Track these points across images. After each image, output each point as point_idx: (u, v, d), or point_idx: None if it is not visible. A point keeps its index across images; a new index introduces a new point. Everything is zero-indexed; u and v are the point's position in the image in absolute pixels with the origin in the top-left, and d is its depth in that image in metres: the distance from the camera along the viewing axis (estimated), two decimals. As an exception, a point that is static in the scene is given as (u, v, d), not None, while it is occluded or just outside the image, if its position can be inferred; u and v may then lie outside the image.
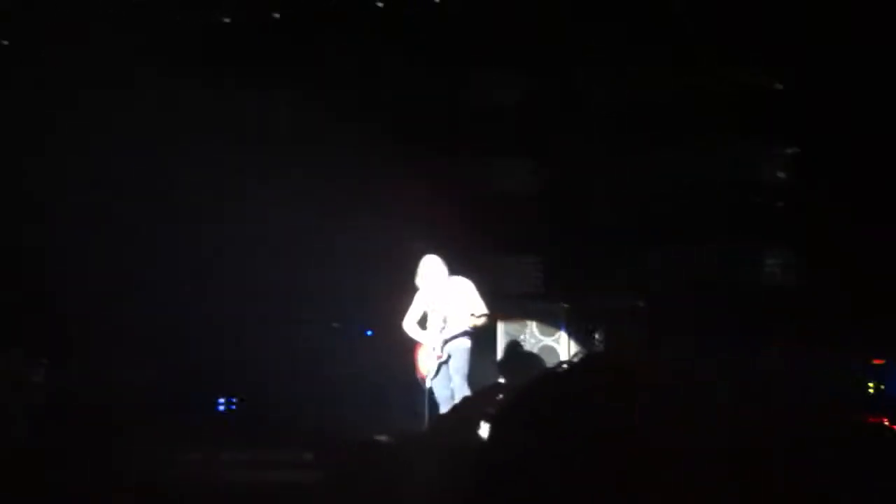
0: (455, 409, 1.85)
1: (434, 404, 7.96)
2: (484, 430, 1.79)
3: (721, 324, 8.51)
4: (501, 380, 8.91)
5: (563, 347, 9.11)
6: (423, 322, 8.11)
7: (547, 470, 1.34)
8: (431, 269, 8.00)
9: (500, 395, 1.84)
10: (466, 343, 7.93)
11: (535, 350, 9.17)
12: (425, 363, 8.00)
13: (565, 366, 1.42)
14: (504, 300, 9.16)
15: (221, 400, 9.23)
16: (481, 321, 7.92)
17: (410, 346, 8.17)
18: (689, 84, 9.11)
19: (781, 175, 9.38)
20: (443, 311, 7.91)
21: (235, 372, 9.13)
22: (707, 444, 1.34)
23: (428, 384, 7.97)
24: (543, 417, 1.39)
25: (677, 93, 9.16)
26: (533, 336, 9.22)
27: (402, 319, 8.15)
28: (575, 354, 8.95)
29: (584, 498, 1.26)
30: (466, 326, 7.87)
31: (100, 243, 8.69)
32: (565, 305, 9.21)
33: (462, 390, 7.79)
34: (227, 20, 9.52)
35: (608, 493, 1.26)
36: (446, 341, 7.88)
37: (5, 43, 9.23)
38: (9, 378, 6.88)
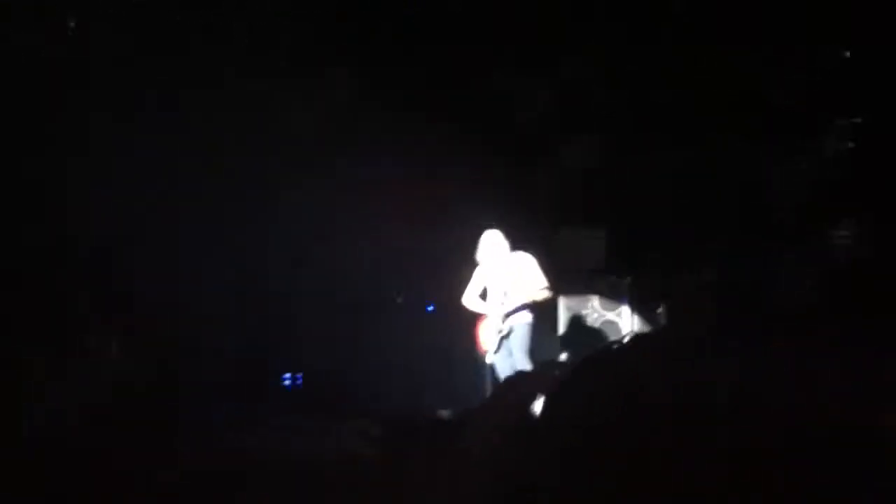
0: (509, 384, 1.88)
1: (496, 379, 7.99)
2: (538, 405, 1.81)
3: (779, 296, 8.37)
4: (563, 356, 8.93)
5: (625, 322, 9.07)
6: (483, 297, 8.13)
7: (598, 445, 1.36)
8: (492, 243, 8.01)
9: (556, 372, 1.86)
10: (527, 317, 7.92)
11: (596, 325, 9.16)
12: (486, 338, 8.03)
13: (615, 346, 1.44)
14: (566, 274, 9.16)
15: (287, 376, 9.39)
16: (543, 295, 7.91)
17: (471, 321, 8.20)
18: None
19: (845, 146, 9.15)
20: (503, 286, 7.93)
21: (301, 349, 9.27)
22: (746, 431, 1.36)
23: (489, 359, 8.01)
24: (593, 395, 1.41)
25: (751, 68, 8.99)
26: (595, 311, 9.20)
27: (462, 295, 8.19)
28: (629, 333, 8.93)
29: (632, 471, 1.29)
30: (527, 300, 7.86)
31: (164, 225, 8.84)
32: (627, 280, 9.16)
33: (523, 365, 7.79)
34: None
35: (653, 466, 1.28)
36: (507, 315, 7.90)
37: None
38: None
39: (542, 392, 1.81)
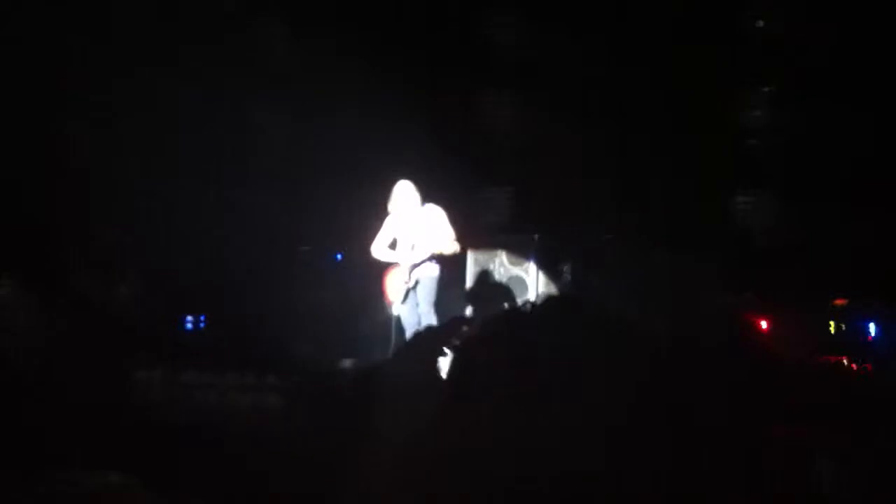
0: (417, 337, 1.87)
1: (401, 330, 8.01)
2: (445, 359, 1.81)
3: (685, 266, 8.58)
4: (469, 309, 8.99)
5: (531, 279, 9.16)
6: (392, 248, 8.12)
7: (505, 395, 1.36)
8: (404, 194, 7.98)
9: (464, 328, 1.86)
10: (435, 270, 7.95)
11: (503, 280, 9.23)
12: (393, 288, 8.02)
13: (528, 305, 1.45)
14: (475, 229, 9.19)
15: (189, 318, 9.23)
16: (450, 248, 7.93)
17: (379, 270, 8.18)
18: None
19: (756, 114, 9.38)
20: (412, 238, 7.92)
21: (203, 291, 9.12)
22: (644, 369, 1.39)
23: (395, 311, 8.01)
24: (502, 347, 1.41)
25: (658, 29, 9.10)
26: (502, 266, 9.27)
27: (370, 243, 8.15)
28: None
29: (536, 420, 1.30)
30: (435, 252, 7.87)
31: (71, 165, 8.61)
32: (535, 237, 9.24)
33: (429, 317, 7.83)
34: None
35: (557, 413, 1.30)
36: (414, 266, 7.90)
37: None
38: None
39: (450, 347, 1.80)
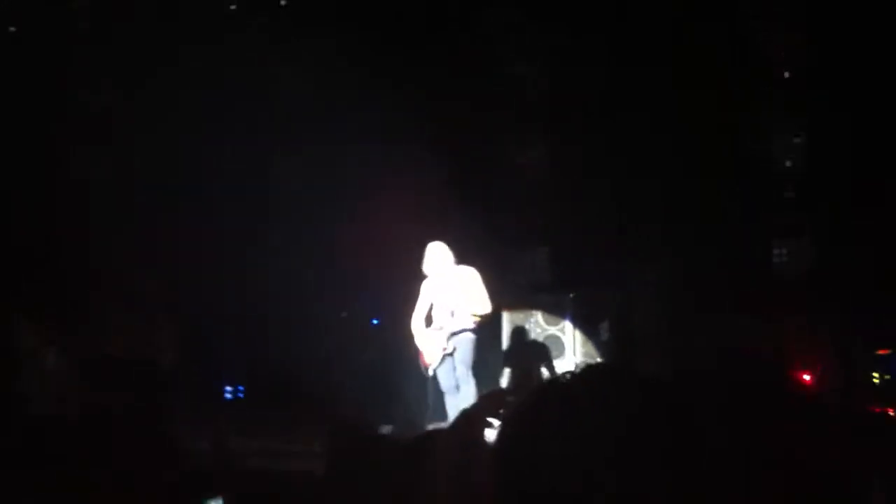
0: (465, 413, 1.89)
1: (438, 393, 7.99)
2: (492, 434, 1.84)
3: (733, 299, 8.51)
4: (506, 371, 8.97)
5: (568, 337, 9.14)
6: (429, 314, 8.10)
7: (552, 476, 1.38)
8: (437, 256, 7.99)
9: (510, 398, 1.88)
10: (471, 334, 7.94)
11: (540, 339, 9.20)
12: (429, 351, 8.00)
13: (568, 375, 1.47)
14: (510, 290, 9.20)
15: (229, 388, 9.29)
16: (487, 311, 7.93)
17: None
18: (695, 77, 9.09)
19: (789, 163, 9.33)
20: (449, 305, 7.91)
21: (243, 361, 9.19)
22: (706, 443, 1.40)
23: (430, 372, 7.99)
24: (547, 424, 1.43)
25: (685, 79, 9.14)
26: (538, 325, 9.25)
27: (407, 307, 8.16)
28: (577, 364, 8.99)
29: (581, 483, 1.31)
30: (472, 323, 7.88)
31: (115, 217, 8.79)
32: (571, 295, 9.23)
33: (466, 380, 7.82)
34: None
35: (601, 476, 1.31)
36: (454, 333, 7.90)
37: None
38: (27, 349, 6.94)
39: (499, 420, 1.83)
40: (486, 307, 7.90)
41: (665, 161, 9.14)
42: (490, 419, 1.76)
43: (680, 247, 9.04)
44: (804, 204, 9.23)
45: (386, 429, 7.51)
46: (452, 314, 7.87)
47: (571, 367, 1.58)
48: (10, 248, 8.35)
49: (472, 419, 1.81)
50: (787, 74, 9.21)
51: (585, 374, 1.53)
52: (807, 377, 7.78)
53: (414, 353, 8.12)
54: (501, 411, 1.78)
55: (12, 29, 9.32)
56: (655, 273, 9.09)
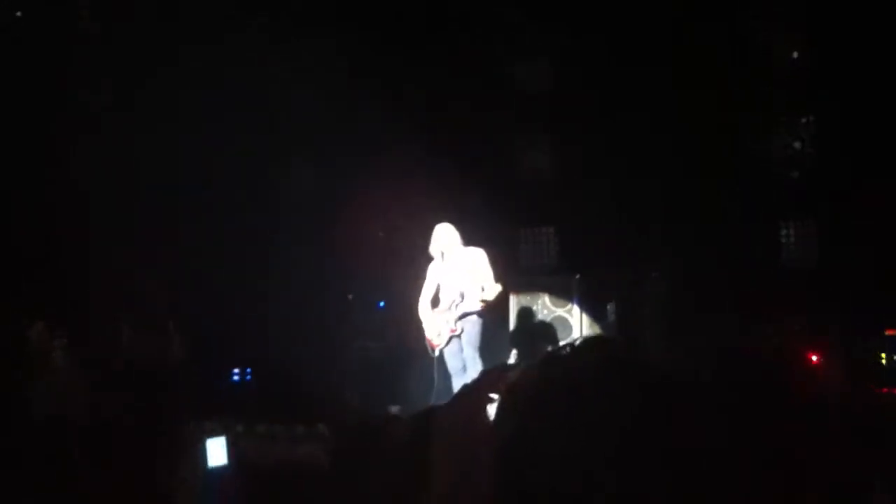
0: (464, 388, 1.89)
1: (444, 374, 7.99)
2: (491, 409, 1.83)
3: (735, 298, 8.51)
4: (513, 352, 8.97)
5: (575, 319, 9.13)
6: (436, 295, 8.09)
7: (548, 452, 1.37)
8: (446, 236, 7.93)
9: (508, 374, 1.87)
10: (479, 316, 7.92)
11: (547, 321, 9.19)
12: (435, 331, 7.98)
13: (567, 349, 1.46)
14: (517, 271, 9.19)
15: (236, 370, 9.31)
16: (497, 295, 7.91)
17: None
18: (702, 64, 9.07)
19: (797, 148, 9.32)
20: (458, 286, 7.89)
21: (249, 343, 9.21)
22: (703, 431, 1.39)
23: (437, 352, 7.98)
24: (543, 400, 1.43)
25: (690, 66, 9.12)
26: (545, 307, 9.24)
27: (413, 290, 8.16)
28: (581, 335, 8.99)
29: (581, 477, 1.31)
30: (480, 306, 7.86)
31: (118, 219, 8.83)
32: (577, 277, 9.22)
33: (474, 361, 7.82)
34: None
35: (601, 473, 1.31)
36: (464, 315, 7.89)
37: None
38: (33, 350, 6.98)
39: (496, 394, 1.82)
40: (496, 290, 7.87)
41: (669, 153, 9.15)
42: (491, 394, 1.76)
43: (682, 243, 9.04)
44: (808, 200, 9.24)
45: (394, 409, 7.53)
46: (462, 296, 7.85)
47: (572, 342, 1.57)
48: (12, 249, 8.37)
49: (473, 393, 1.81)
50: (788, 75, 9.19)
51: (585, 361, 1.51)
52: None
53: (420, 335, 8.12)
54: (500, 385, 1.77)
55: (14, 23, 9.35)
56: (659, 267, 9.11)
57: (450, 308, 7.90)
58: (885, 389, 6.96)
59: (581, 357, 1.51)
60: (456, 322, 7.87)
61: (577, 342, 1.55)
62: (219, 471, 4.45)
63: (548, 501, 1.34)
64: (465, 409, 1.76)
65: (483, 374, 1.85)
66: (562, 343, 8.78)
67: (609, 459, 1.37)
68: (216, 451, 4.45)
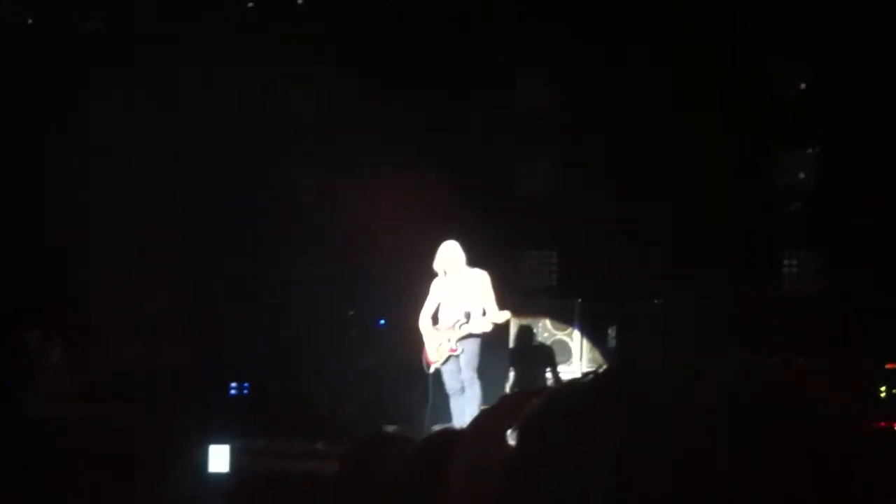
0: (481, 417, 1.87)
1: (440, 393, 7.94)
2: (511, 437, 1.81)
3: (733, 327, 8.51)
4: (511, 374, 8.93)
5: (575, 343, 9.10)
6: (436, 312, 8.05)
7: (567, 484, 1.36)
8: (451, 254, 7.86)
9: (530, 399, 1.85)
10: (479, 338, 7.87)
11: (547, 343, 9.17)
12: (433, 348, 7.93)
13: (586, 379, 1.44)
14: (518, 293, 9.17)
15: (234, 384, 9.27)
16: (500, 319, 7.88)
17: (420, 334, 8.13)
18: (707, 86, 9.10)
19: (800, 176, 9.35)
20: (463, 306, 7.84)
21: (248, 359, 9.18)
22: (717, 455, 1.38)
23: (432, 369, 7.93)
24: (565, 431, 1.41)
25: (695, 93, 9.16)
26: (546, 330, 9.22)
27: (414, 309, 8.11)
28: (593, 368, 8.95)
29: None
30: (488, 328, 7.83)
31: (119, 232, 8.83)
32: (579, 301, 9.20)
33: (472, 383, 7.78)
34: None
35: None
36: (468, 336, 7.84)
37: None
38: (28, 358, 6.96)
39: (515, 422, 1.80)
40: (503, 315, 7.86)
41: (673, 180, 9.17)
42: (510, 420, 1.74)
43: (685, 270, 9.04)
44: (812, 219, 9.25)
45: (390, 429, 7.48)
46: (468, 316, 7.81)
47: (579, 373, 1.55)
48: (13, 251, 8.35)
49: (491, 419, 1.79)
50: (794, 105, 9.25)
51: (591, 387, 1.50)
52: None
53: (418, 352, 8.07)
54: (520, 415, 1.75)
55: (20, 30, 9.38)
56: (661, 294, 9.12)
57: (453, 327, 7.85)
58: (883, 423, 6.93)
59: (604, 387, 1.50)
60: (457, 342, 7.83)
61: (600, 371, 1.54)
62: (219, 477, 4.42)
63: None
64: (484, 433, 1.74)
65: (502, 400, 1.83)
66: (563, 369, 8.77)
67: (634, 490, 1.36)
68: (218, 458, 4.42)
